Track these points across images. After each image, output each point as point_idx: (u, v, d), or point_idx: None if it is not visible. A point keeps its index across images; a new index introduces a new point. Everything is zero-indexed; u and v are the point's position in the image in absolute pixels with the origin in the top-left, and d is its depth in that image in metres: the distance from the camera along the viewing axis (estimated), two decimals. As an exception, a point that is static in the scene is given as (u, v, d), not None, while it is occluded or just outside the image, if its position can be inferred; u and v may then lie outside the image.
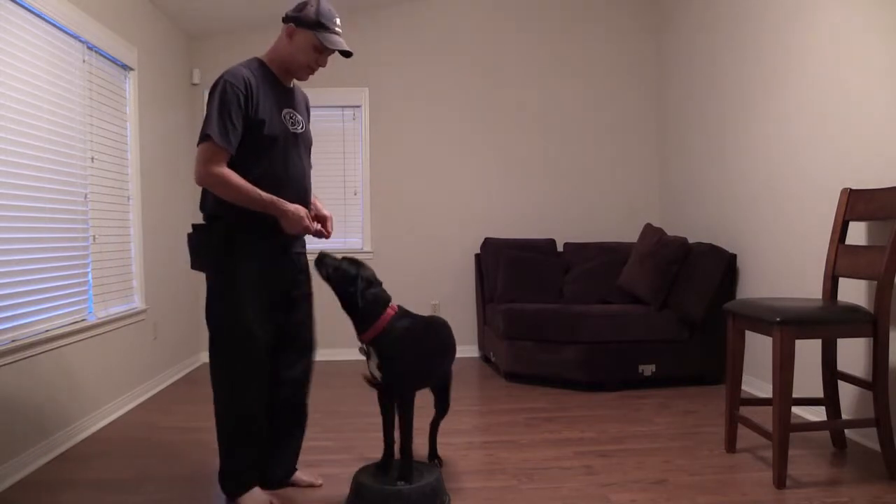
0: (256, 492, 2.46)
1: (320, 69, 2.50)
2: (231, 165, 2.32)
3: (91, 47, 3.53)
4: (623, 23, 5.37)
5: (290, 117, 2.47)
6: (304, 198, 2.48)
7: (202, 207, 2.44)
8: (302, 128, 2.52)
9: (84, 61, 3.47)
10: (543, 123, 5.34)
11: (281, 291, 2.49)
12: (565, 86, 5.35)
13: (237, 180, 2.29)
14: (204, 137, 2.29)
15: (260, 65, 2.45)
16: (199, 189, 2.41)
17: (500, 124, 5.32)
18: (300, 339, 2.59)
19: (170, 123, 4.69)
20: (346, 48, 2.43)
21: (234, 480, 2.45)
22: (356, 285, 2.35)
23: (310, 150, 2.62)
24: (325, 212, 2.56)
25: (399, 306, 2.47)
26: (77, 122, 3.39)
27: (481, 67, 5.30)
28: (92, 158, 3.54)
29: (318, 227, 2.45)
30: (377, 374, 2.41)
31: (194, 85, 5.13)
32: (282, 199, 2.34)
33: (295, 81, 2.55)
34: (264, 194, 2.31)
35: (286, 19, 2.42)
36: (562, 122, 5.35)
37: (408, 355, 2.39)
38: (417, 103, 5.28)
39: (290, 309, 2.54)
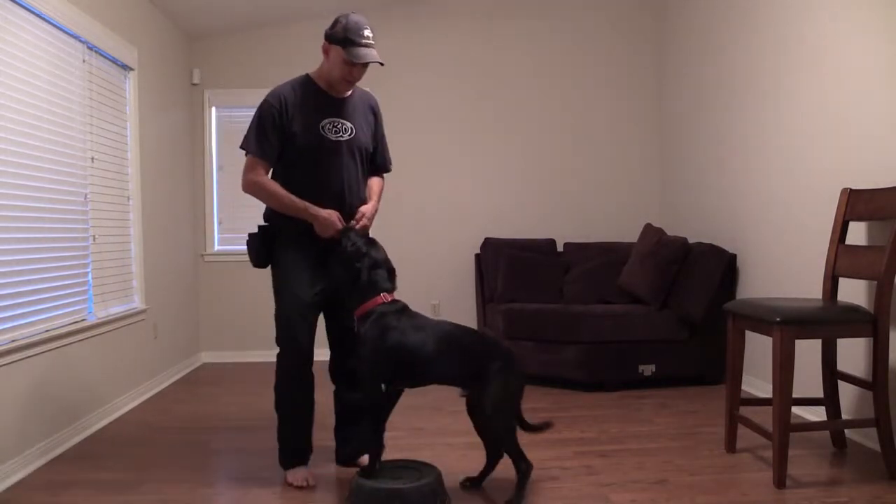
0: (299, 469, 2.65)
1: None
2: (274, 173, 2.58)
3: (91, 47, 3.53)
4: (623, 23, 5.37)
5: (333, 126, 2.61)
6: (341, 203, 2.61)
7: (264, 212, 2.69)
8: (351, 134, 2.65)
9: (84, 61, 3.47)
10: (543, 123, 5.34)
11: (330, 289, 2.62)
12: (565, 86, 5.34)
13: (272, 188, 2.55)
14: (245, 151, 2.57)
15: (305, 80, 2.64)
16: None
17: (501, 124, 5.32)
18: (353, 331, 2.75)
19: (170, 123, 4.69)
20: (375, 60, 2.54)
21: (281, 455, 2.69)
22: (361, 262, 2.45)
23: (368, 154, 2.75)
24: (363, 208, 2.67)
25: (397, 300, 2.48)
26: (77, 123, 3.39)
27: (481, 67, 5.30)
28: (92, 158, 3.54)
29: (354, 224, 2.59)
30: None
31: (194, 85, 5.13)
32: (314, 206, 2.50)
33: (358, 87, 2.71)
34: (297, 200, 2.51)
35: (324, 36, 2.56)
36: (562, 122, 5.35)
37: (374, 347, 2.39)
38: (417, 103, 5.28)
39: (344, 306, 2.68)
